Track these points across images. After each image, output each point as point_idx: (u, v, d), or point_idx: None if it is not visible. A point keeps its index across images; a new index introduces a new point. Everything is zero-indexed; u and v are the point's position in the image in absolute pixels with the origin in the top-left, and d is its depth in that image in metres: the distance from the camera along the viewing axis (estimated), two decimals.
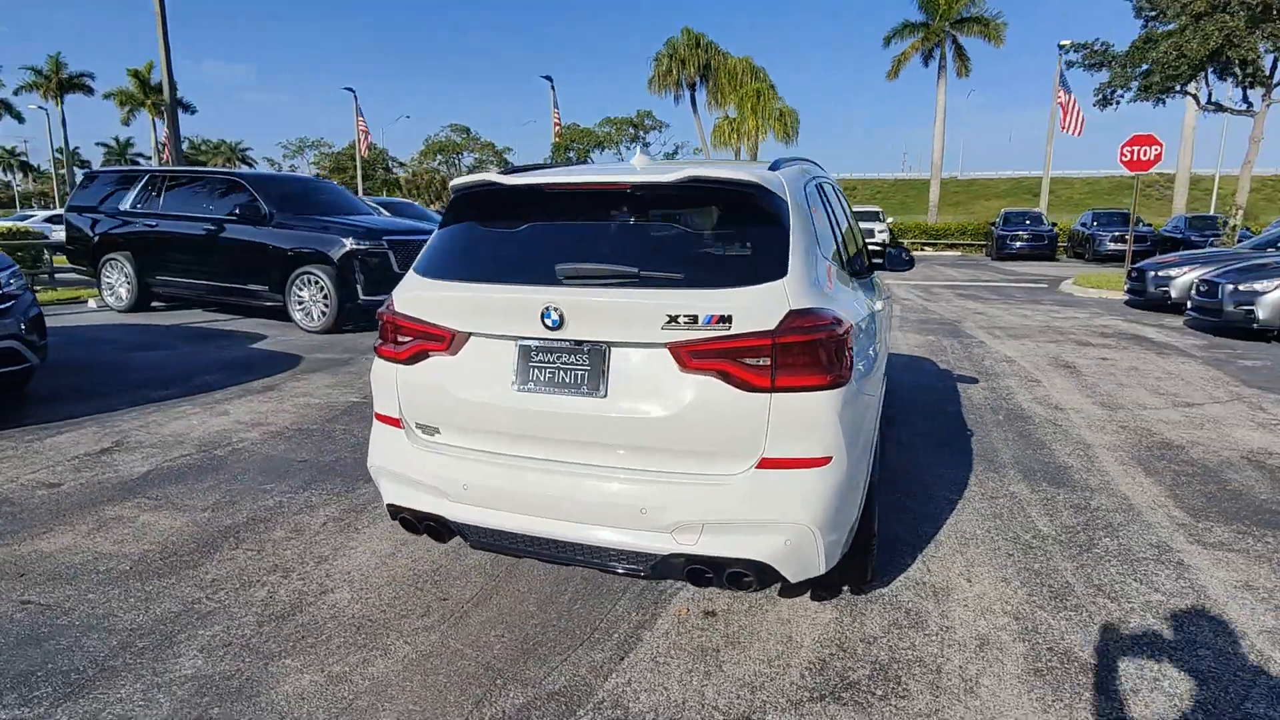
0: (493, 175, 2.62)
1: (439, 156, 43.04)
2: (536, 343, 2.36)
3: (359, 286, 8.68)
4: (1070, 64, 18.85)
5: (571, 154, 37.09)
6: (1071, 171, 68.25)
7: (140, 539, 3.34)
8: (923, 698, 2.26)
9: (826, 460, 2.21)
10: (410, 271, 2.71)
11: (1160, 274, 11.35)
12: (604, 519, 2.28)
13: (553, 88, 37.52)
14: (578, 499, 2.30)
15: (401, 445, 2.62)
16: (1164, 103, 17.01)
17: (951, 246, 32.47)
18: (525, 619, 2.72)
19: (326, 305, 8.76)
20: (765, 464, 2.20)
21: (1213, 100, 17.37)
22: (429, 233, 9.74)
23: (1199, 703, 2.24)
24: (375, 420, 2.75)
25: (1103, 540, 3.37)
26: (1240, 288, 8.76)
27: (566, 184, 2.56)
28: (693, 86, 32.12)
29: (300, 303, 8.91)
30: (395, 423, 2.65)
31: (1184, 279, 10.76)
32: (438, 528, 2.56)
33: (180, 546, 3.27)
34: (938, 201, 35.80)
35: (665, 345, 2.21)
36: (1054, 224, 27.93)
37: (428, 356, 2.53)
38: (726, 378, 2.17)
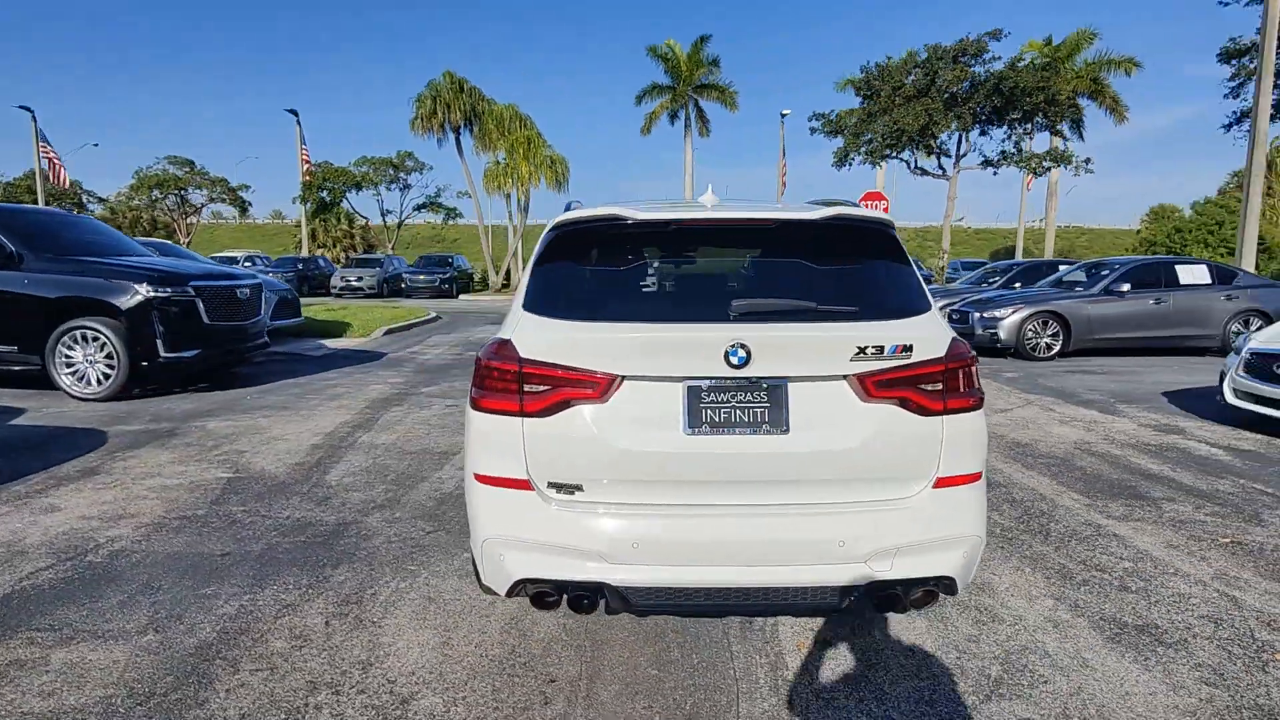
0: (617, 210, 2.46)
1: (155, 192, 37.08)
2: (709, 382, 2.26)
3: (159, 341, 7.22)
4: (813, 130, 22.18)
5: (325, 193, 34.31)
6: None
7: (81, 685, 2.48)
8: (1056, 678, 2.52)
9: (979, 475, 2.41)
10: (523, 312, 2.42)
11: (986, 315, 11.07)
12: (798, 558, 2.23)
13: (299, 122, 34.60)
14: (769, 541, 2.23)
15: (534, 509, 2.31)
16: (881, 165, 20.77)
17: None
18: (657, 682, 2.52)
19: (111, 366, 7.14)
20: (941, 483, 2.33)
21: (919, 166, 21.64)
22: (239, 277, 8.47)
23: (1211, 631, 2.79)
24: (479, 485, 2.39)
25: (1051, 526, 4.01)
26: (985, 315, 10.88)
27: (706, 220, 2.50)
28: (458, 130, 31.71)
29: (70, 365, 7.16)
30: (520, 484, 2.33)
31: (1012, 319, 10.77)
32: (589, 596, 2.29)
33: (151, 684, 2.49)
34: None
35: (847, 376, 2.26)
36: None
37: (569, 406, 2.27)
38: (906, 404, 2.28)
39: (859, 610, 2.83)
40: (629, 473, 2.28)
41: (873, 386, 2.26)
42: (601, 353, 2.26)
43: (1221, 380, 6.48)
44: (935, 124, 18.31)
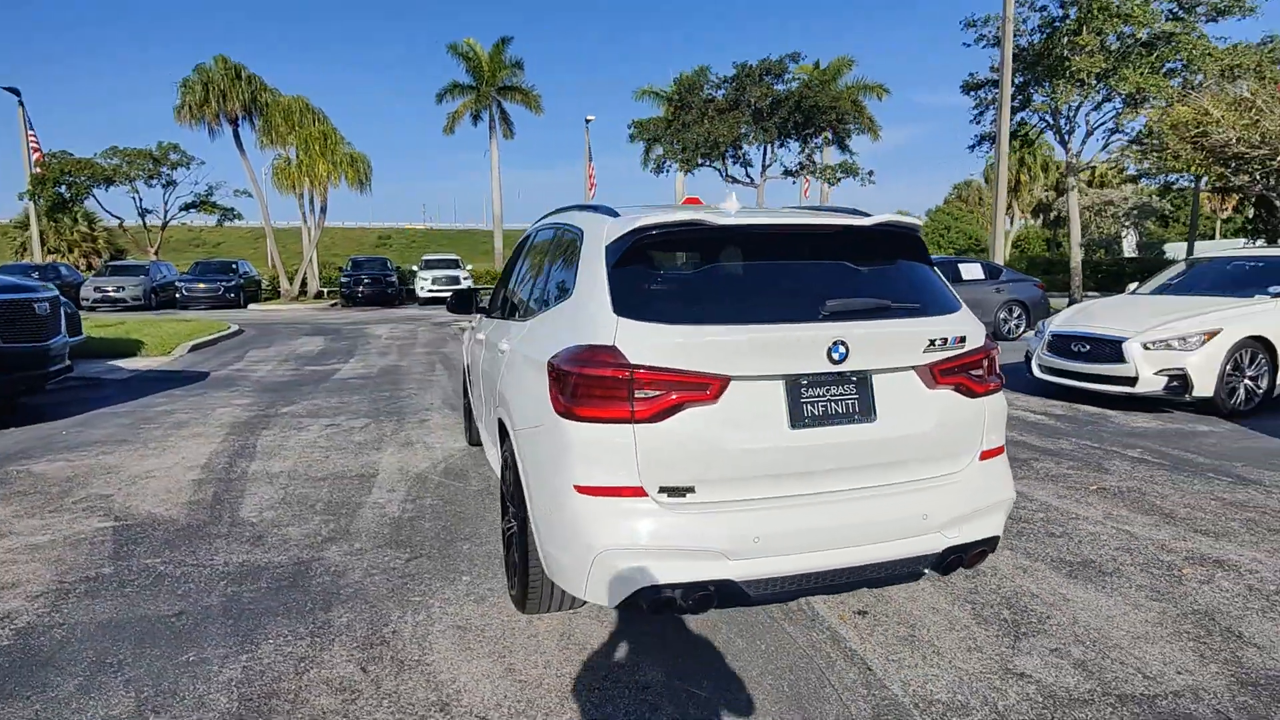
0: (697, 215, 2.50)
1: None
2: (808, 378, 2.39)
3: None
4: (633, 137, 22.84)
5: (63, 189, 28.91)
6: None
7: None
8: (1053, 613, 2.99)
9: (1003, 447, 2.79)
10: (616, 316, 2.36)
11: None
12: (892, 533, 2.45)
13: (21, 103, 28.80)
14: (868, 522, 2.42)
15: (649, 516, 2.29)
16: (682, 173, 22.01)
17: None
18: (743, 671, 2.60)
19: None
20: (983, 456, 2.67)
21: (730, 174, 23.23)
22: (33, 290, 7.03)
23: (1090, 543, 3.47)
24: (584, 497, 2.32)
25: None
26: None
27: (779, 225, 2.61)
28: (236, 121, 28.35)
29: None
30: (633, 492, 2.30)
31: None
32: (709, 596, 2.31)
33: None
34: (502, 250, 38.54)
35: (917, 367, 2.52)
36: None
37: (681, 409, 2.29)
38: (960, 388, 2.59)
39: (929, 575, 3.02)
40: (740, 470, 2.34)
41: (938, 374, 2.54)
42: (713, 355, 2.30)
43: (1028, 359, 7.82)
44: (745, 136, 19.90)
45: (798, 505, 2.39)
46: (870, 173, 22.86)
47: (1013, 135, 20.41)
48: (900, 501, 2.48)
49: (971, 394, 2.61)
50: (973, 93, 20.91)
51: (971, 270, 13.11)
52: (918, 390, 2.53)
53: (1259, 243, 28.31)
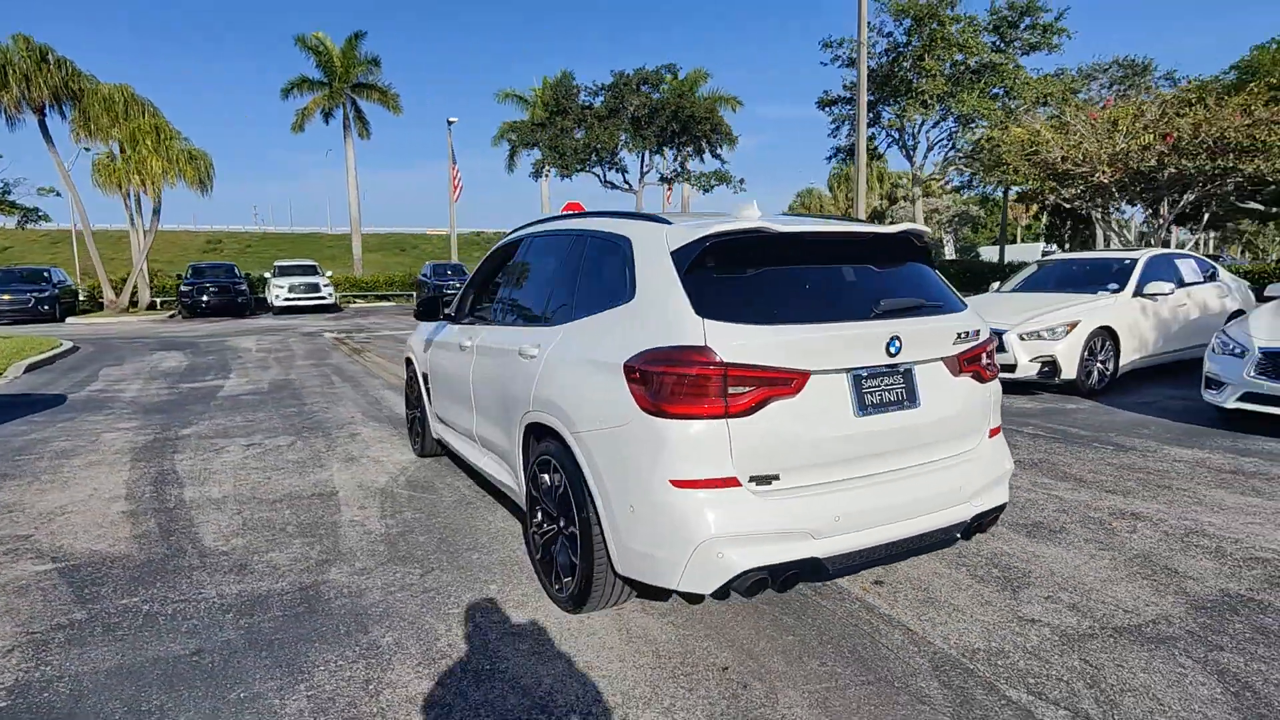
0: (762, 223, 2.68)
1: None
2: (867, 371, 2.65)
3: None
4: (501, 139, 22.49)
5: None
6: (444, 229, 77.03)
7: None
8: (1033, 568, 3.45)
9: (1001, 425, 3.21)
10: (694, 317, 2.49)
11: None
12: (937, 505, 2.76)
13: None
14: (921, 496, 2.71)
15: (743, 504, 2.45)
16: (571, 178, 22.12)
17: (383, 298, 33.76)
18: (804, 644, 2.81)
19: None
20: (991, 433, 3.06)
21: (608, 180, 23.50)
22: None
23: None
24: (681, 490, 2.44)
25: None
26: None
27: (826, 232, 2.85)
28: (42, 110, 24.86)
29: None
30: (728, 483, 2.44)
31: None
32: (796, 575, 2.50)
33: None
34: (360, 254, 36.58)
35: (946, 358, 2.85)
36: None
37: (769, 403, 2.47)
38: (975, 375, 2.96)
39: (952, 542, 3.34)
40: (817, 457, 2.56)
41: (962, 364, 2.89)
42: (795, 352, 2.50)
43: None
44: (626, 144, 20.32)
45: (867, 485, 2.64)
46: (741, 180, 24.15)
47: (851, 152, 22.30)
48: (941, 477, 2.80)
49: (982, 380, 2.99)
50: (828, 108, 22.64)
51: None
52: (946, 378, 2.87)
53: (1053, 247, 32.78)
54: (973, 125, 18.68)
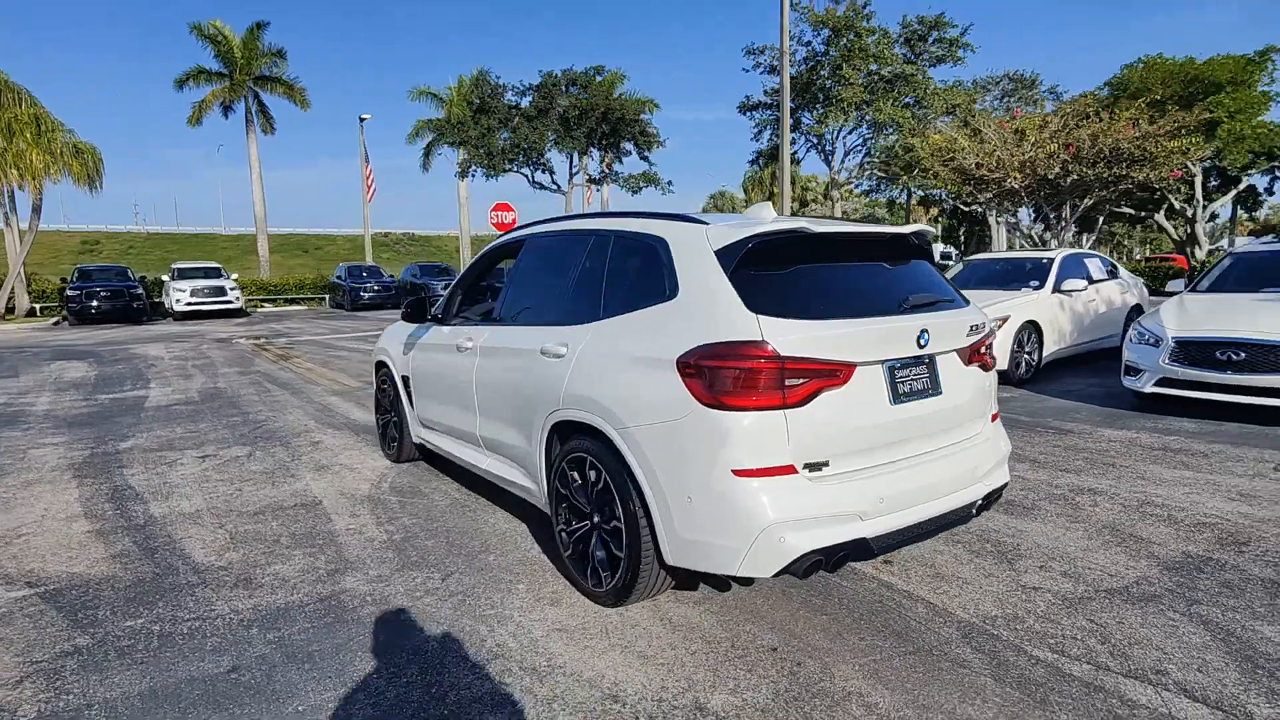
0: (801, 224, 2.82)
1: None
2: (899, 362, 2.84)
3: None
4: (441, 141, 21.85)
5: None
6: (341, 230, 73.92)
7: None
8: (1020, 541, 3.76)
9: (998, 412, 3.48)
10: (748, 313, 2.59)
11: None
12: (958, 485, 2.98)
13: None
14: (945, 477, 2.92)
15: (800, 490, 2.58)
16: (498, 178, 21.80)
17: (292, 302, 32.25)
18: (837, 621, 2.98)
19: None
20: (992, 418, 3.32)
21: (537, 180, 23.23)
22: None
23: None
24: (742, 479, 2.55)
25: None
26: None
27: (856, 233, 3.01)
28: None
29: None
30: (786, 470, 2.57)
31: None
32: (846, 555, 2.66)
33: None
34: (267, 255, 34.76)
35: (960, 349, 3.08)
36: (392, 276, 31.09)
37: (820, 394, 2.61)
38: (980, 364, 3.21)
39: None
40: (861, 443, 2.72)
41: (971, 354, 3.13)
42: (843, 345, 2.65)
43: None
44: (557, 144, 20.20)
45: (903, 468, 2.83)
46: (669, 182, 24.50)
47: (776, 155, 23.08)
48: (960, 459, 3.03)
49: (985, 368, 3.25)
50: (749, 113, 23.32)
51: None
52: (959, 367, 3.10)
53: (950, 249, 35.14)
54: (886, 131, 19.76)
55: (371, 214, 35.86)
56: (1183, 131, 13.66)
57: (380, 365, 5.61)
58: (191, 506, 4.57)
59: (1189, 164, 15.44)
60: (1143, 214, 29.14)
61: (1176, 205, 27.03)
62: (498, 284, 4.60)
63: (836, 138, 21.75)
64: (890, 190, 23.44)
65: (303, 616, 3.10)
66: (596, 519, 3.11)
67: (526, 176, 23.03)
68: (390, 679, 2.62)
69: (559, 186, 23.70)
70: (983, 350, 3.22)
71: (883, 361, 2.81)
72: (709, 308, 2.72)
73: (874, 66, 19.33)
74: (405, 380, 5.12)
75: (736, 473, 2.55)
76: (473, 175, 21.88)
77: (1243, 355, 5.98)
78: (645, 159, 23.57)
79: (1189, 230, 27.66)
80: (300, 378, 10.26)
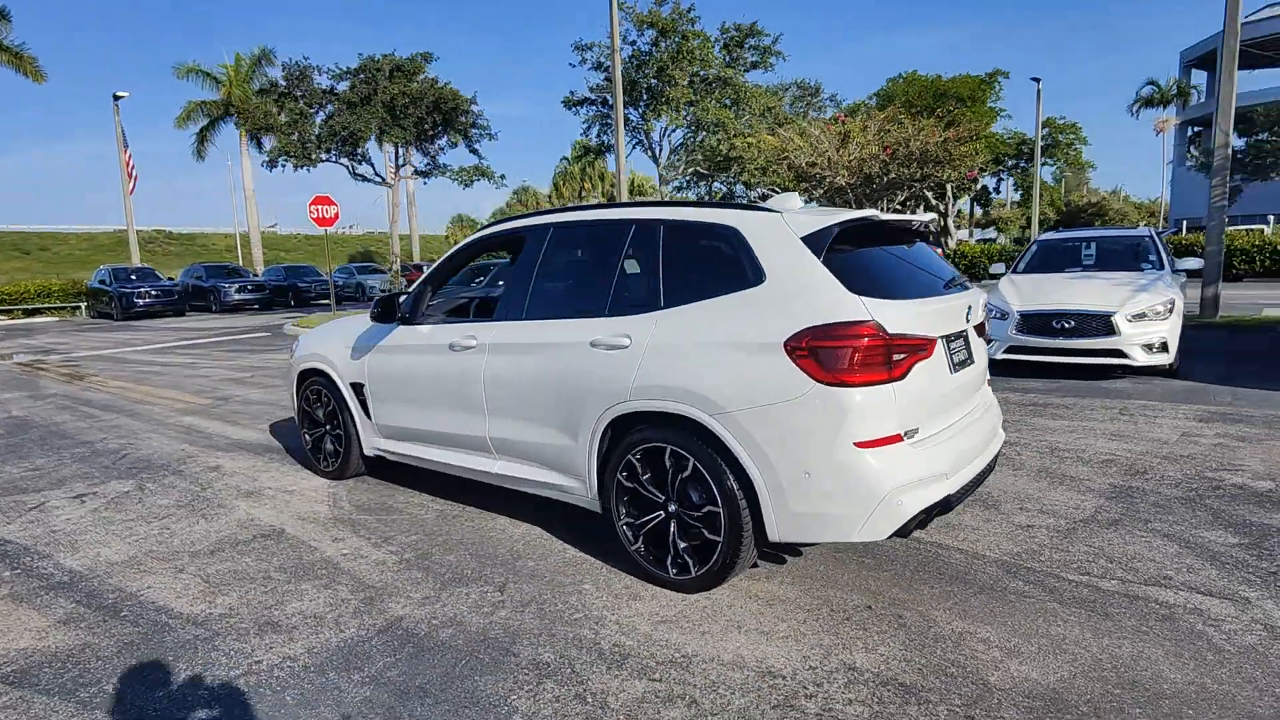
0: (872, 213, 3.04)
1: None
2: (954, 335, 3.17)
3: None
4: (252, 132, 19.23)
5: None
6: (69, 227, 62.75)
7: None
8: (1022, 500, 4.33)
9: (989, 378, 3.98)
10: (852, 295, 2.76)
11: None
12: (989, 441, 3.39)
13: None
14: (982, 434, 3.32)
15: (906, 455, 2.81)
16: (311, 170, 19.81)
17: (34, 313, 27.21)
18: (907, 573, 3.28)
19: None
20: (988, 383, 3.81)
21: (358, 173, 21.33)
22: None
23: None
24: (863, 450, 2.72)
25: None
26: None
27: (905, 219, 3.30)
28: None
29: None
30: (895, 439, 2.78)
31: None
32: (936, 512, 2.92)
33: None
34: None
35: (978, 324, 3.51)
36: (171, 278, 27.26)
37: (914, 367, 2.86)
38: (984, 337, 3.67)
39: None
40: (937, 409, 3.02)
41: (982, 329, 3.57)
42: (928, 321, 2.92)
43: None
44: (385, 133, 18.73)
45: (961, 429, 3.17)
46: (503, 176, 23.93)
47: (604, 150, 23.58)
48: (985, 418, 3.46)
49: (987, 340, 3.72)
50: (575, 108, 23.48)
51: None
52: (975, 339, 3.52)
53: None
54: (710, 131, 21.01)
55: (107, 209, 31.06)
56: (970, 139, 16.19)
57: (309, 374, 5.03)
58: (120, 555, 3.82)
59: (978, 165, 18.25)
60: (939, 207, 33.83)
61: (932, 202, 31.54)
62: (476, 280, 4.35)
63: (663, 136, 22.73)
64: (701, 187, 24.93)
65: (377, 652, 2.78)
66: (675, 508, 3.12)
67: (347, 167, 21.21)
68: (531, 698, 2.46)
69: (383, 179, 22.13)
70: (982, 324, 3.69)
71: (945, 336, 3.13)
72: (808, 292, 2.85)
73: (697, 69, 20.43)
74: (356, 387, 4.65)
75: (859, 444, 2.72)
76: (282, 167, 19.74)
77: (1072, 324, 7.27)
78: (474, 151, 22.84)
79: (941, 224, 32.42)
80: (121, 399, 8.78)
